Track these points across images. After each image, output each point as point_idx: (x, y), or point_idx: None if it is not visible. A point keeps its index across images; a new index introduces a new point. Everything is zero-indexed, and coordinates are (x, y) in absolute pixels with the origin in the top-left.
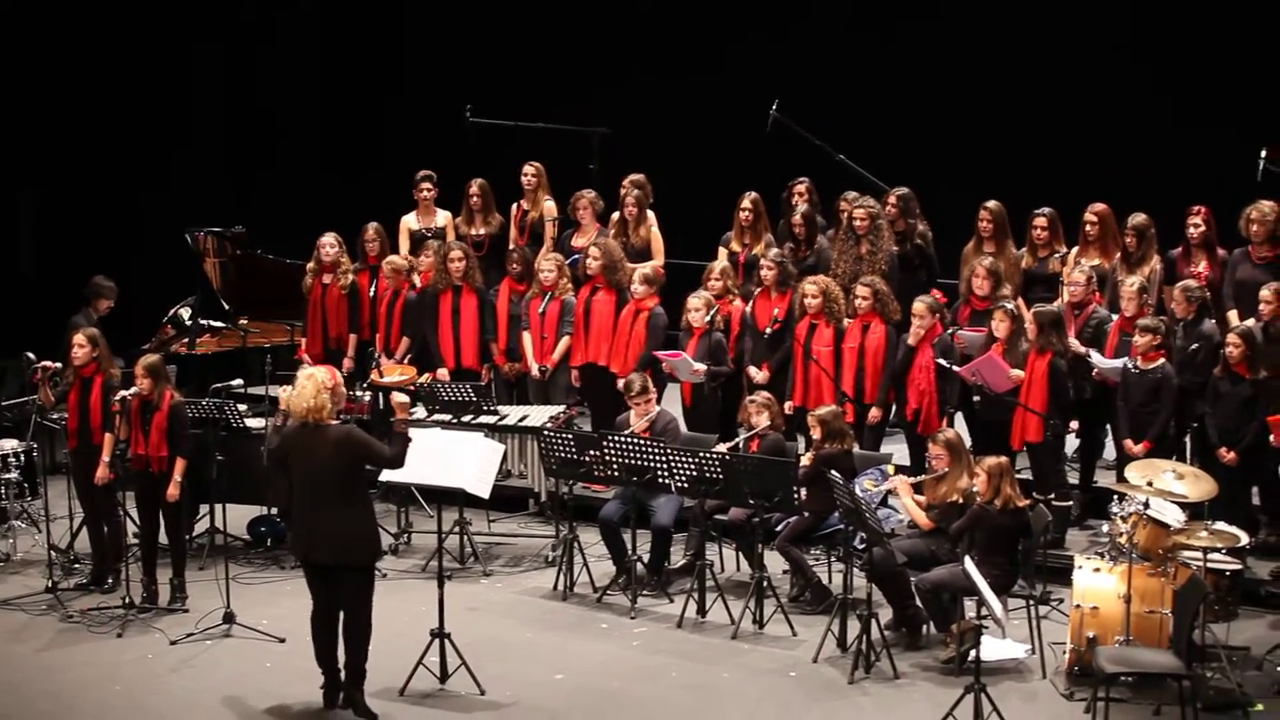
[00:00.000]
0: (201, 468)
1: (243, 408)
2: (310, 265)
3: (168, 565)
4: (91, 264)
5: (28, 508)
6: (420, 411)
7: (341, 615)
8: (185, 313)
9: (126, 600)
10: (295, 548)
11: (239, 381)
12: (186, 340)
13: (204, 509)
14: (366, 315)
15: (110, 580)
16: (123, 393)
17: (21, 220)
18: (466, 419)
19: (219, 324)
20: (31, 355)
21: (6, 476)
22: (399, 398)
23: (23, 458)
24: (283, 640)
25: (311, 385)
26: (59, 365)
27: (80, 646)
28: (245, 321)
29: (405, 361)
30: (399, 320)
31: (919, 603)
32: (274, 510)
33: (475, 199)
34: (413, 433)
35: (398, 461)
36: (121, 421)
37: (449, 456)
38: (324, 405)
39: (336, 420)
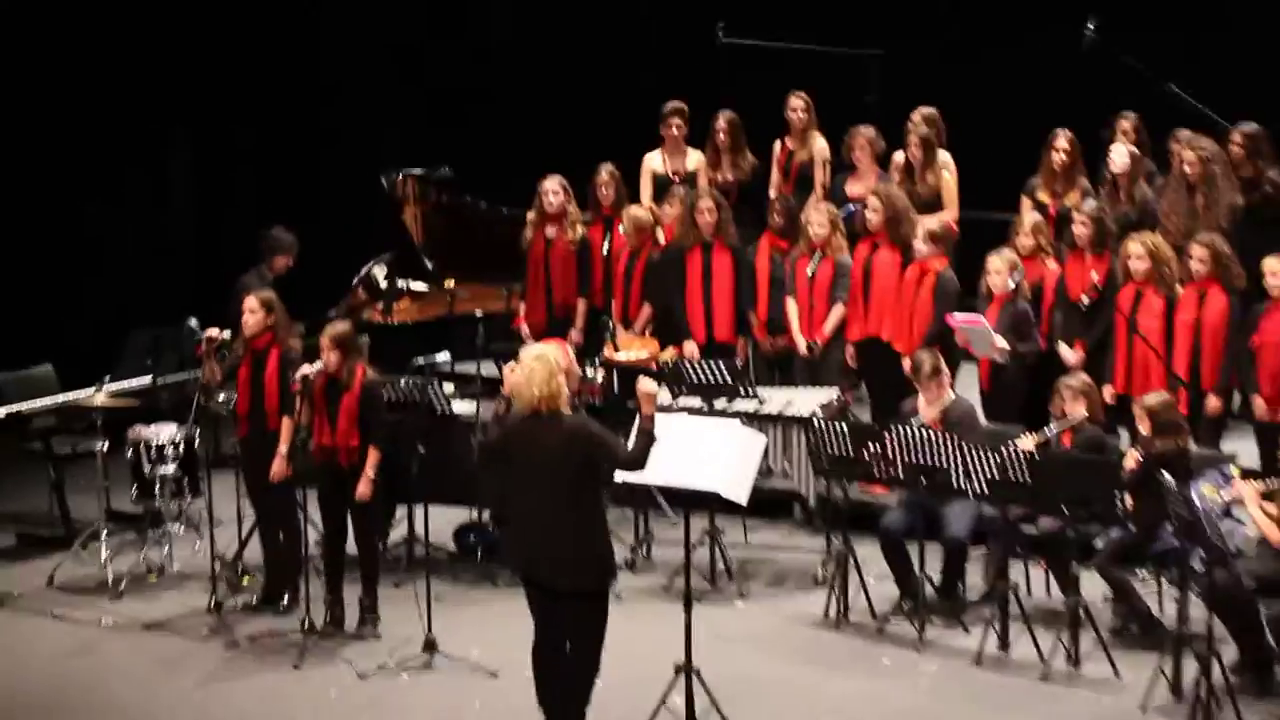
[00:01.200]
0: (399, 461)
1: (449, 388)
2: (531, 215)
3: (356, 581)
4: (263, 216)
5: (187, 509)
6: (663, 395)
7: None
8: (380, 272)
9: (306, 623)
10: (513, 562)
11: (445, 356)
12: (381, 306)
13: (401, 512)
14: (599, 277)
15: (286, 599)
16: (305, 369)
17: (174, 167)
18: (719, 405)
19: (420, 286)
20: (194, 323)
21: (163, 471)
22: (647, 385)
23: (182, 448)
24: (495, 674)
25: (543, 369)
26: (227, 335)
27: (248, 680)
28: (452, 284)
29: (646, 334)
30: (638, 283)
31: (1271, 639)
32: (486, 515)
33: (723, 136)
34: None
35: (638, 463)
36: (303, 404)
37: (698, 452)
38: (558, 392)
39: (569, 410)
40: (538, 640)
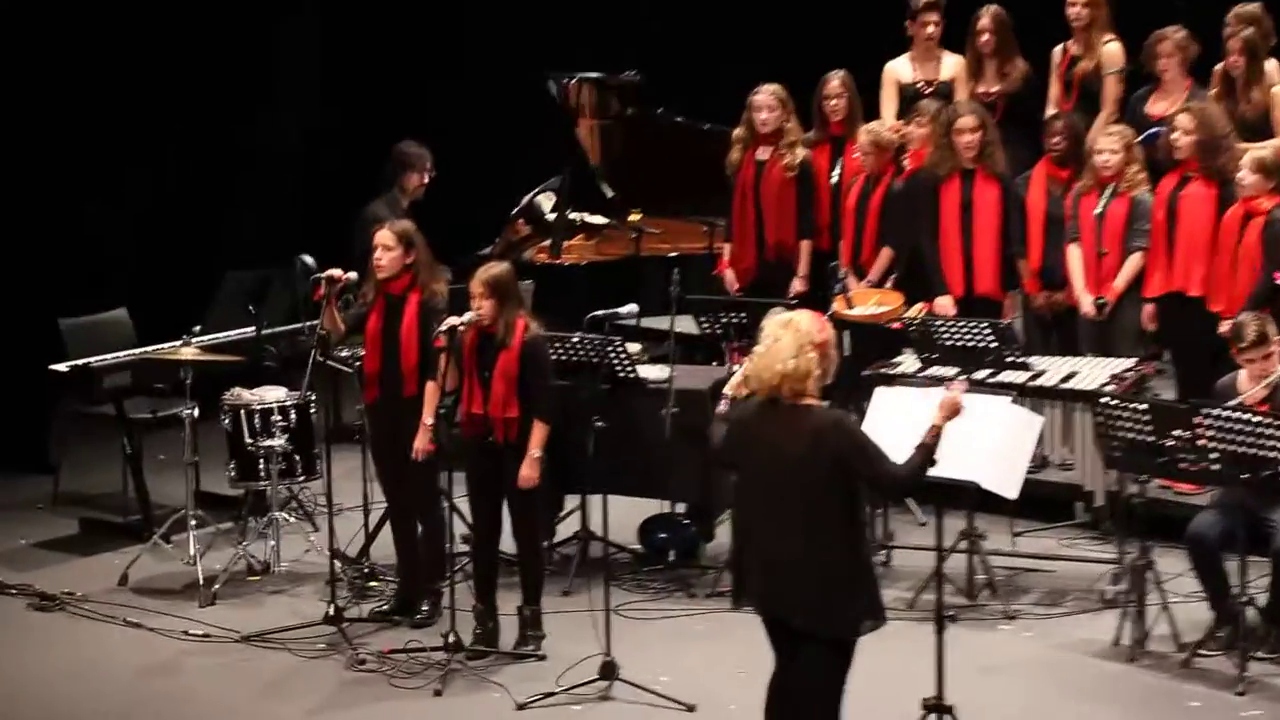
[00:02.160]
0: (570, 439)
1: (635, 349)
2: (739, 133)
3: (514, 587)
4: (397, 131)
5: (300, 493)
6: (908, 362)
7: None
8: (546, 202)
9: (450, 638)
10: (744, 584)
11: (630, 309)
12: (549, 244)
13: (572, 502)
14: (825, 212)
15: (425, 608)
16: (452, 320)
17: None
18: (981, 376)
19: (598, 220)
20: (310, 260)
21: (268, 443)
22: (955, 395)
23: (293, 416)
24: (691, 708)
25: (790, 340)
26: (353, 276)
27: (378, 706)
28: (638, 217)
29: (887, 285)
30: (875, 220)
31: None
32: (680, 507)
33: (987, 38)
34: (897, 394)
35: (905, 486)
36: (450, 364)
37: (954, 434)
38: (806, 372)
39: (818, 400)
40: (776, 676)
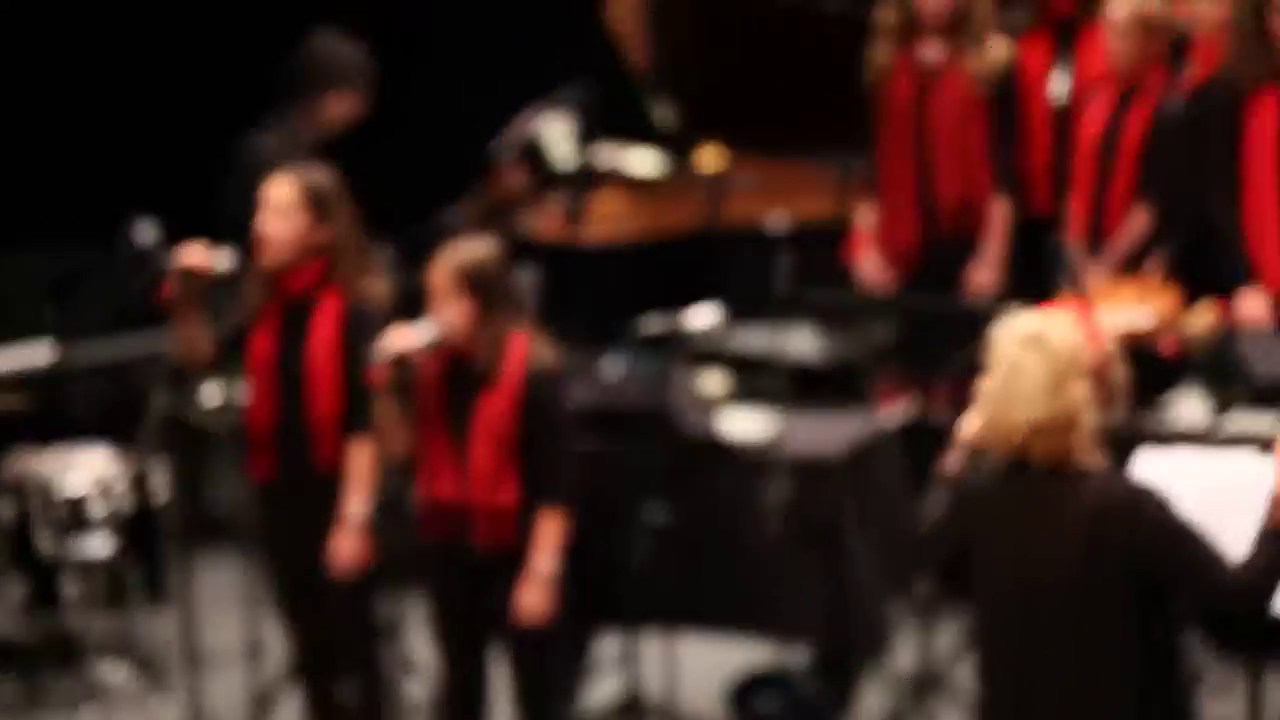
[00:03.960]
0: (605, 541)
1: (714, 385)
2: (887, 18)
3: None
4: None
5: (134, 632)
6: (1191, 403)
7: None
8: (556, 131)
9: None
10: None
11: (705, 317)
12: (566, 204)
13: (609, 650)
14: (1041, 151)
15: None
16: (400, 339)
17: None
18: None
19: (645, 162)
20: (150, 233)
21: (81, 550)
22: None
23: (126, 498)
24: None
25: (1041, 365)
26: (226, 263)
27: None
28: (716, 157)
29: (1148, 272)
30: (1129, 162)
31: None
32: (797, 654)
33: None
34: (1180, 459)
35: (1255, 596)
36: (396, 415)
37: None
38: (1071, 419)
39: (1096, 458)
40: None
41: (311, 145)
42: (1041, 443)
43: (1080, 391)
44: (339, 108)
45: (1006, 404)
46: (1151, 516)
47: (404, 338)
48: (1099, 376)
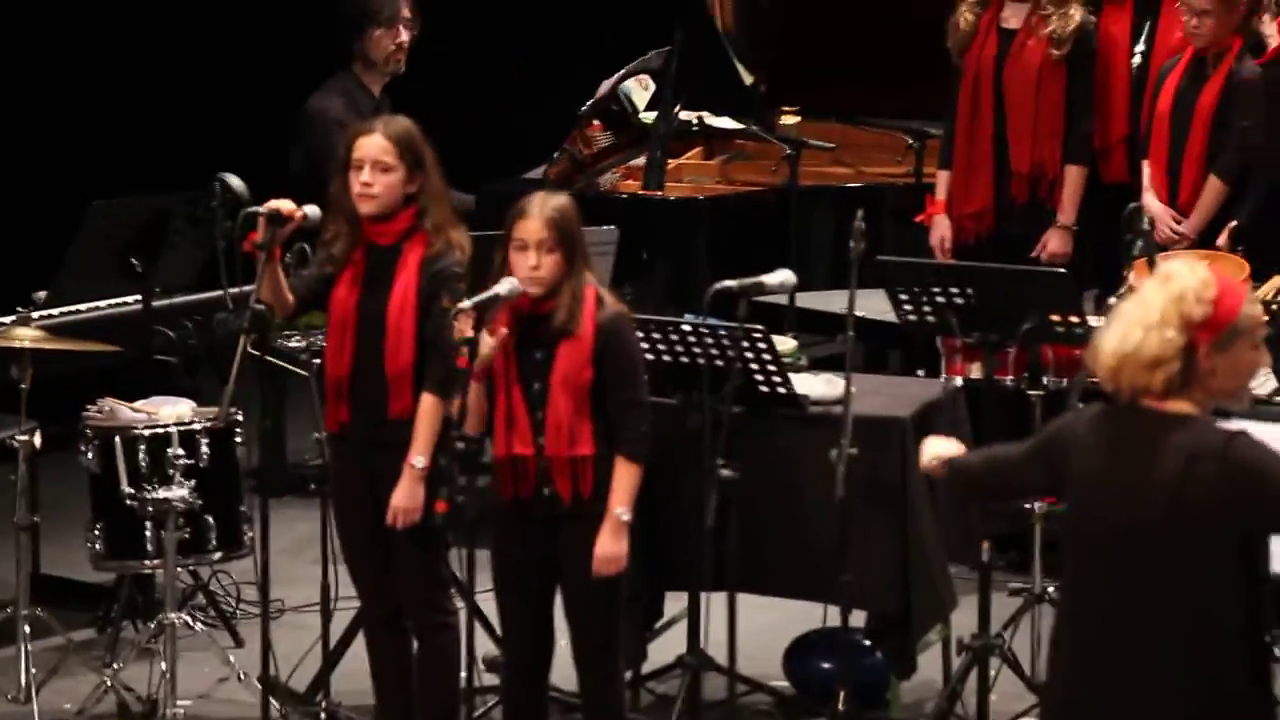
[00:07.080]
0: (673, 500)
1: (787, 345)
2: None
3: None
4: None
5: (213, 583)
6: (1261, 379)
7: None
8: (639, 92)
9: None
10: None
11: (782, 278)
12: (643, 164)
13: (674, 607)
14: (1117, 117)
15: None
16: (483, 294)
17: None
18: None
19: (726, 124)
20: (237, 182)
21: (162, 495)
22: None
23: (206, 448)
24: None
25: (1159, 302)
26: (312, 212)
27: None
28: (796, 120)
29: (1222, 243)
30: (1204, 128)
31: None
32: (857, 617)
33: None
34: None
35: None
36: (474, 370)
37: None
38: (1156, 359)
39: (1186, 402)
40: None
41: (373, 94)
42: (1128, 375)
43: (1172, 338)
44: (385, 44)
45: (1117, 346)
46: (1244, 455)
47: (485, 293)
48: (1207, 332)
